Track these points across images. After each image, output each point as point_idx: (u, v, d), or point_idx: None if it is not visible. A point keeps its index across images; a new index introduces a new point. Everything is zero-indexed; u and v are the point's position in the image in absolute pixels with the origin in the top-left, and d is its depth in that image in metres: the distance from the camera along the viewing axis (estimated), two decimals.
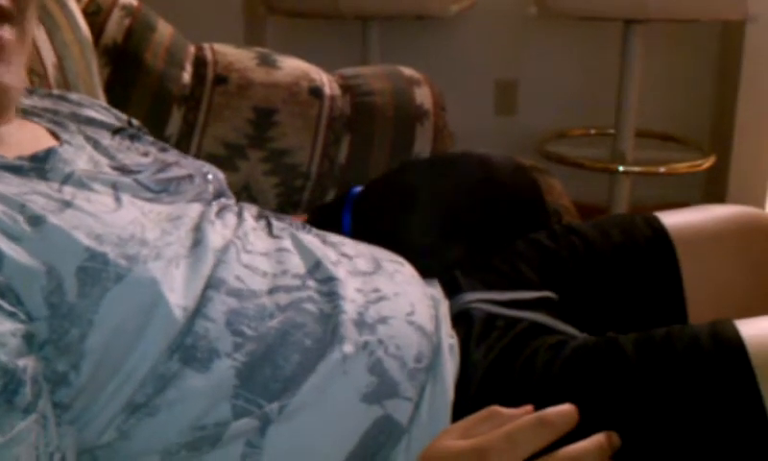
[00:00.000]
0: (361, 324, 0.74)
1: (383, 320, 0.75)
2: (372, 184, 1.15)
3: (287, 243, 0.81)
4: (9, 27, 0.75)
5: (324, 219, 1.11)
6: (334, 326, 0.72)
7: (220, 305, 0.69)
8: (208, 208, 0.81)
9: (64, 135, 0.81)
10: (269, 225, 0.85)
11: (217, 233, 0.76)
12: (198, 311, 0.68)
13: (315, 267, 0.79)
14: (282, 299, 0.73)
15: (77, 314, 0.62)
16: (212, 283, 0.70)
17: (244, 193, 1.27)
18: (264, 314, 0.71)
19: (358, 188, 1.15)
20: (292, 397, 0.67)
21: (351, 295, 0.76)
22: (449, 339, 0.79)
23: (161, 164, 0.85)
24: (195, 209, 0.79)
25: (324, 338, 0.72)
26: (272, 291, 0.74)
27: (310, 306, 0.74)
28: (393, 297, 0.79)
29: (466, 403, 0.73)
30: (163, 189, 0.81)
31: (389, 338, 0.74)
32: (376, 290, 0.79)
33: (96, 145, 0.83)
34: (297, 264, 0.78)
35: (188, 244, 0.72)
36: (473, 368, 0.78)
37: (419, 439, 0.70)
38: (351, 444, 0.68)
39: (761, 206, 2.75)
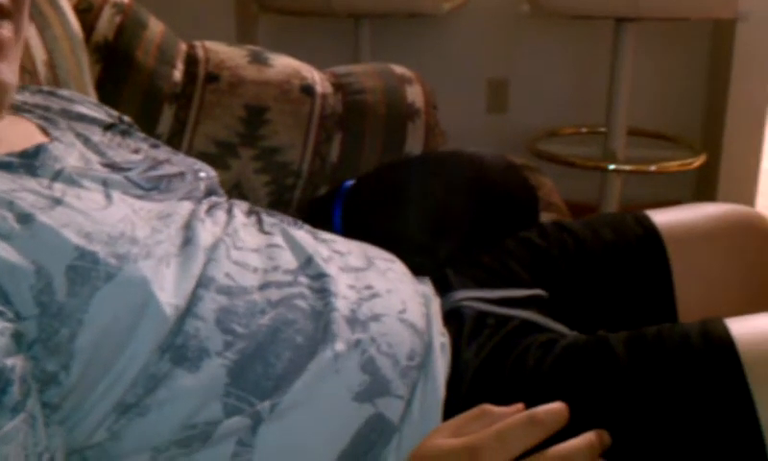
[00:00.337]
0: (353, 321, 0.73)
1: (376, 317, 0.75)
2: (362, 179, 1.15)
3: (278, 239, 0.81)
4: (7, 23, 0.75)
5: (315, 213, 1.11)
6: (326, 323, 0.72)
7: (210, 303, 0.69)
8: (199, 206, 0.80)
9: (55, 132, 0.81)
10: (259, 221, 0.85)
11: (207, 231, 0.76)
12: (188, 310, 0.67)
13: (306, 263, 0.78)
14: (273, 294, 0.73)
15: (66, 313, 0.61)
16: (202, 282, 0.70)
17: (235, 191, 1.26)
18: (255, 310, 0.71)
19: (350, 182, 1.14)
20: (283, 395, 0.67)
21: (344, 291, 0.76)
22: (441, 337, 0.79)
23: (152, 162, 0.85)
24: (185, 207, 0.78)
25: (315, 336, 0.71)
26: (263, 287, 0.73)
27: (301, 303, 0.73)
28: (385, 294, 0.79)
29: (457, 402, 0.73)
30: (154, 187, 0.81)
31: (381, 336, 0.73)
32: (369, 287, 0.79)
33: (86, 141, 0.83)
34: (288, 260, 0.78)
35: (178, 242, 0.72)
36: (464, 366, 0.78)
37: (410, 437, 0.70)
38: (343, 442, 0.68)
39: (752, 204, 2.76)
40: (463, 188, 1.08)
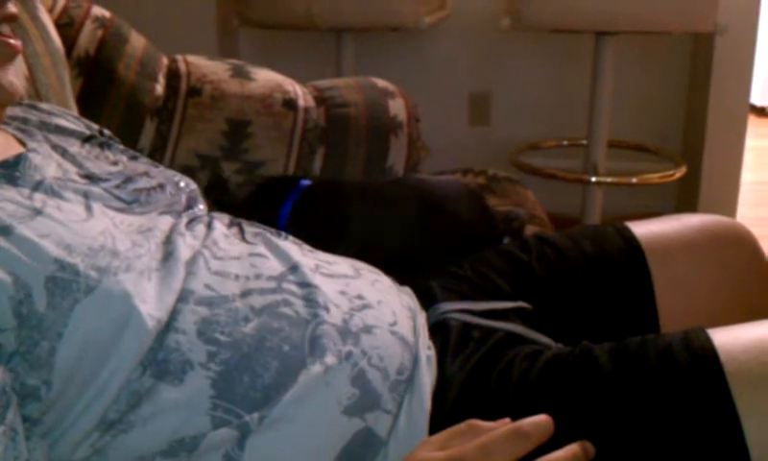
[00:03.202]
0: (345, 332, 0.73)
1: (367, 329, 0.74)
2: (318, 187, 1.14)
3: (261, 248, 0.80)
4: (12, 30, 0.76)
5: (261, 198, 1.10)
6: (315, 336, 0.72)
7: (190, 316, 0.68)
8: (179, 220, 0.80)
9: (31, 143, 0.80)
10: (241, 231, 0.84)
11: (187, 245, 0.76)
12: (168, 325, 0.67)
13: (292, 269, 0.78)
14: (256, 301, 0.72)
15: (46, 326, 0.61)
16: (182, 296, 0.69)
17: (217, 205, 1.26)
18: (237, 318, 0.70)
19: (306, 182, 1.13)
20: (273, 407, 0.67)
21: (334, 298, 0.76)
22: (427, 350, 0.79)
23: (131, 173, 0.85)
24: (166, 222, 0.78)
25: (302, 345, 0.71)
26: (245, 294, 0.72)
27: (287, 310, 0.73)
28: (376, 305, 0.78)
29: (443, 415, 0.73)
30: (134, 200, 0.80)
31: (373, 349, 0.73)
32: (360, 297, 0.78)
33: (64, 153, 0.82)
34: (271, 267, 0.77)
35: (159, 257, 0.72)
36: (450, 379, 0.78)
37: (396, 451, 0.70)
38: (331, 456, 0.68)
39: (732, 215, 2.78)
40: (408, 222, 1.08)
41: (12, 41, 0.77)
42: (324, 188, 1.14)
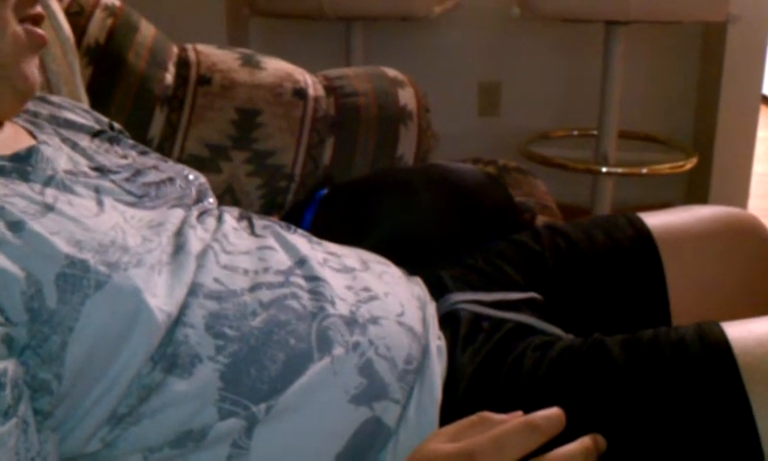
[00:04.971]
0: (352, 323, 0.73)
1: (374, 320, 0.75)
2: (337, 190, 1.13)
3: (270, 241, 0.81)
4: None
5: (289, 219, 1.10)
6: (322, 329, 0.72)
7: (199, 310, 0.69)
8: (190, 213, 0.80)
9: (41, 136, 0.80)
10: (251, 225, 0.85)
11: (197, 238, 0.76)
12: (178, 319, 0.67)
13: (299, 263, 0.78)
14: (265, 296, 0.73)
15: (57, 321, 0.61)
16: (192, 290, 0.70)
17: (227, 195, 1.26)
18: (246, 312, 0.70)
19: (323, 192, 1.13)
20: (279, 397, 0.67)
21: (341, 293, 0.76)
22: (437, 341, 0.79)
23: (140, 167, 0.85)
24: (177, 215, 0.78)
25: (308, 338, 0.71)
26: (253, 288, 0.73)
27: (294, 303, 0.73)
28: (383, 296, 0.78)
29: (453, 406, 0.73)
30: (145, 194, 0.80)
31: (379, 339, 0.73)
32: (367, 289, 0.79)
33: (74, 146, 0.83)
34: (279, 260, 0.78)
35: (170, 250, 0.72)
36: (461, 370, 0.78)
37: (406, 441, 0.70)
38: (339, 445, 0.68)
39: (743, 206, 2.77)
40: (436, 210, 1.07)
41: (39, 31, 0.77)
42: (346, 189, 1.13)
